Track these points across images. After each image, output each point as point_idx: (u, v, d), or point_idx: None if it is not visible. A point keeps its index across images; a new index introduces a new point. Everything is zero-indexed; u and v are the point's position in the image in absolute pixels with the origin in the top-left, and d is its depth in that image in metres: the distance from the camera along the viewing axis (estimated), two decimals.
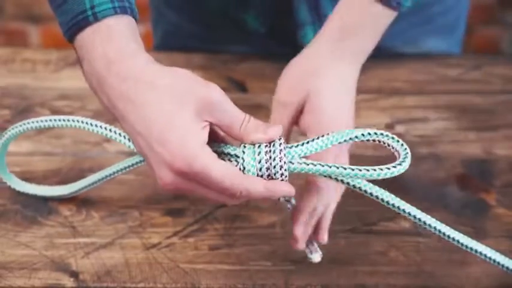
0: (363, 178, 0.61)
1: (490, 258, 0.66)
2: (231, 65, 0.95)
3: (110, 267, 0.70)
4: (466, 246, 0.65)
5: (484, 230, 0.74)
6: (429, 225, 0.64)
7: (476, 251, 0.66)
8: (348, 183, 0.62)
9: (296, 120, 0.70)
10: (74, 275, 0.69)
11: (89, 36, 0.61)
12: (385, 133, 0.61)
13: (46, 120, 0.69)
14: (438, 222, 0.64)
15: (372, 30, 0.71)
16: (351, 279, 0.69)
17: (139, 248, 0.72)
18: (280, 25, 0.91)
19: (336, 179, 0.62)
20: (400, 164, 0.60)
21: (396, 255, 0.72)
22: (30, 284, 0.69)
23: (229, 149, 0.61)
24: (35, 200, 0.77)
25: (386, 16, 0.71)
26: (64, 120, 0.69)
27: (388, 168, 0.60)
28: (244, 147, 0.60)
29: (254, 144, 0.60)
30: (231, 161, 0.61)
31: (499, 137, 0.86)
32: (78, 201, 0.77)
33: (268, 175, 0.60)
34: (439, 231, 0.64)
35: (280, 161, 0.60)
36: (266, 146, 0.60)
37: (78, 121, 0.69)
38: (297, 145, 0.61)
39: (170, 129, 0.58)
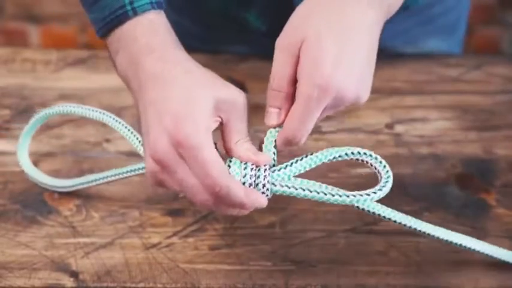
0: (342, 204, 0.62)
1: (487, 255, 0.66)
2: (231, 65, 0.95)
3: (109, 267, 0.70)
4: (465, 247, 0.66)
5: (484, 230, 0.74)
6: (424, 232, 0.65)
7: (474, 250, 0.66)
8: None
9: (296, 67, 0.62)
10: (74, 275, 0.69)
11: (129, 30, 0.63)
12: (368, 153, 0.62)
13: (70, 106, 0.71)
14: (427, 224, 0.65)
15: None
16: (351, 279, 0.69)
17: (139, 248, 0.72)
18: (282, 24, 0.91)
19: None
20: (380, 190, 0.62)
21: (396, 255, 0.72)
22: (30, 284, 0.69)
23: None
24: (35, 200, 0.77)
25: None
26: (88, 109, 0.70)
27: (368, 194, 0.61)
28: (230, 161, 0.61)
29: (241, 162, 0.61)
30: None
31: (499, 136, 0.86)
32: (78, 201, 0.77)
33: None
34: (436, 236, 0.65)
35: (263, 187, 0.61)
36: (252, 168, 0.61)
37: (99, 112, 0.70)
38: (280, 168, 0.62)
39: (185, 108, 0.58)
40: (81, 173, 0.80)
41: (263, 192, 0.61)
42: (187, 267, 0.70)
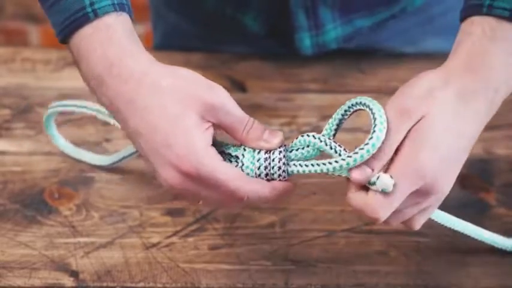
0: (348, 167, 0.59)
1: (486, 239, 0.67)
2: (230, 65, 0.95)
3: (109, 267, 0.70)
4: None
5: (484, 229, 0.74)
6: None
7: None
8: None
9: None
10: (74, 274, 0.69)
11: (87, 37, 0.60)
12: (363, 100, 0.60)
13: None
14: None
15: (503, 55, 0.60)
16: (350, 279, 0.69)
17: (139, 247, 0.72)
18: (279, 27, 0.91)
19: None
20: (371, 138, 0.57)
21: (396, 255, 0.72)
22: (30, 283, 0.69)
23: (231, 150, 0.62)
24: (35, 200, 0.77)
25: None
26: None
27: (362, 148, 0.57)
28: (244, 150, 0.61)
29: (254, 150, 0.61)
30: (231, 162, 0.61)
31: (500, 136, 0.85)
32: (78, 201, 0.77)
33: (267, 179, 0.61)
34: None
35: (278, 169, 0.61)
36: (266, 152, 0.61)
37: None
38: (297, 148, 0.61)
39: (175, 133, 0.58)
40: (81, 172, 0.80)
41: (279, 175, 0.60)
42: (187, 267, 0.70)
